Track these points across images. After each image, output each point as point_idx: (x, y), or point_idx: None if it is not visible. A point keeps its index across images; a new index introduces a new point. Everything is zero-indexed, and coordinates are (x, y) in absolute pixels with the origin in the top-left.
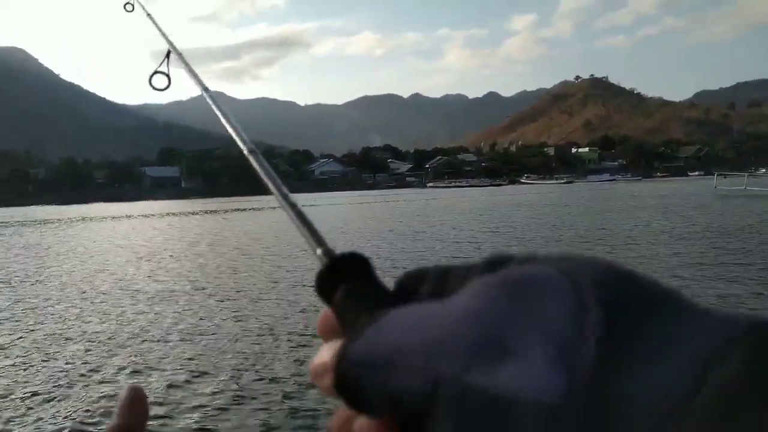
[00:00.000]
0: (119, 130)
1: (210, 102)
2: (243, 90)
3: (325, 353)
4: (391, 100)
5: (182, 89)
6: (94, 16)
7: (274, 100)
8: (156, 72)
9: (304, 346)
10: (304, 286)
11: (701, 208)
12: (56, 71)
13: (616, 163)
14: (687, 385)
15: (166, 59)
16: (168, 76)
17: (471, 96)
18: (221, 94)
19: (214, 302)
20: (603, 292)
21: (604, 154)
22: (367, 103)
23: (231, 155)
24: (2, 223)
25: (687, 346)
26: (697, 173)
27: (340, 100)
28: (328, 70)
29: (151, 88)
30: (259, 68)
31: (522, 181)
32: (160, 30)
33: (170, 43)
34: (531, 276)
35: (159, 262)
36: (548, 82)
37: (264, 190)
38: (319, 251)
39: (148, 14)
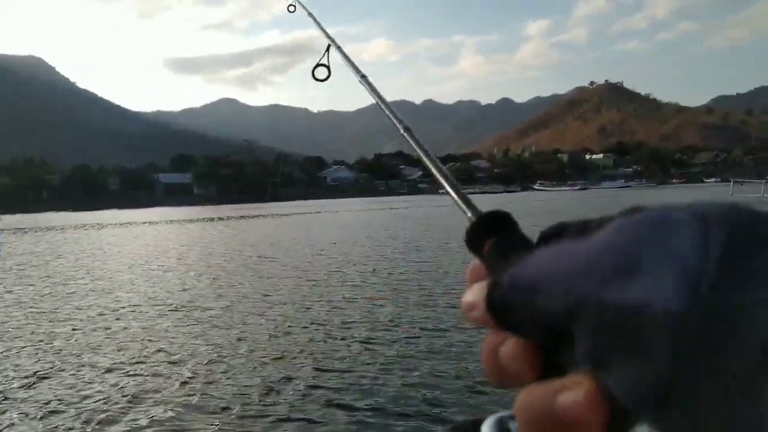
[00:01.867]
0: (133, 137)
1: (366, 88)
2: (256, 96)
3: (475, 290)
4: (404, 106)
5: (195, 96)
6: (109, 25)
7: (287, 107)
8: (318, 65)
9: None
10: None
11: None
12: (72, 79)
13: (631, 169)
14: None
15: (326, 53)
16: (328, 67)
17: (484, 102)
18: (234, 101)
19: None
20: (727, 224)
21: (618, 161)
22: (379, 109)
23: (242, 162)
24: (18, 228)
25: None
26: (713, 180)
27: (352, 106)
28: (341, 77)
29: (313, 79)
30: (272, 75)
31: (535, 187)
32: (320, 27)
33: (330, 38)
34: (662, 215)
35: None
36: (562, 87)
37: (277, 198)
38: (469, 213)
39: (310, 13)
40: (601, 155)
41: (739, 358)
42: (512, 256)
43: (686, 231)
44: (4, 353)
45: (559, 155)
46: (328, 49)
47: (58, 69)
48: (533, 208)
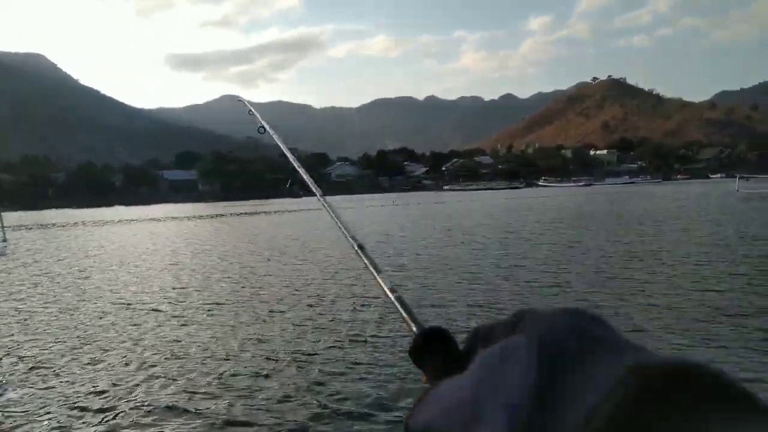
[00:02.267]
0: (136, 134)
1: (326, 208)
2: (258, 94)
3: None
4: (406, 102)
5: (197, 93)
6: (109, 22)
7: (290, 103)
8: (291, 184)
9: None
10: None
11: (726, 212)
12: (75, 76)
13: (636, 165)
14: (582, 418)
15: (291, 179)
16: (296, 184)
17: (487, 98)
18: (236, 98)
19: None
20: (542, 352)
21: (622, 156)
22: (381, 105)
23: (246, 159)
24: (23, 225)
25: (596, 384)
26: (719, 176)
27: (354, 103)
28: (343, 73)
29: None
30: (274, 72)
31: (540, 183)
32: (287, 152)
33: (296, 164)
34: (508, 346)
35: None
36: (565, 83)
37: (279, 194)
38: (414, 327)
39: (278, 137)
40: (605, 151)
41: None
42: (433, 385)
43: (516, 360)
44: (11, 343)
45: (562, 151)
46: (295, 172)
47: (60, 66)
48: (538, 205)
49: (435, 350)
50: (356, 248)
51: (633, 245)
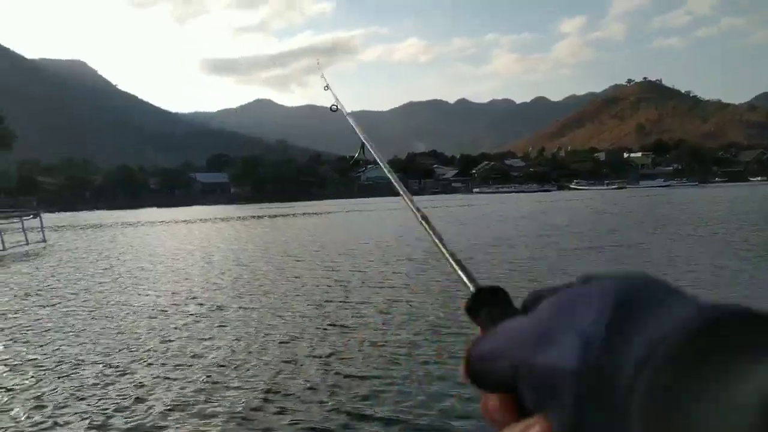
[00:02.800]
0: (171, 137)
1: (385, 170)
2: (290, 98)
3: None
4: (436, 105)
5: (230, 97)
6: (147, 29)
7: (322, 107)
8: (356, 160)
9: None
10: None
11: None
12: (113, 82)
13: (671, 168)
14: (643, 354)
15: (361, 149)
16: (362, 161)
17: (518, 101)
18: (269, 102)
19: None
20: (615, 293)
21: (658, 159)
22: (412, 109)
23: (277, 161)
24: (60, 226)
25: (651, 329)
26: (759, 179)
27: (385, 106)
28: (374, 77)
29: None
30: (306, 75)
31: (572, 186)
32: (355, 129)
33: (364, 139)
34: (577, 291)
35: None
36: (598, 86)
37: (310, 196)
38: (471, 286)
39: (348, 114)
40: (639, 154)
41: (612, 406)
42: (491, 328)
43: (587, 303)
44: (44, 341)
45: (595, 154)
46: (362, 147)
47: (100, 72)
48: (567, 209)
49: (492, 304)
50: (420, 219)
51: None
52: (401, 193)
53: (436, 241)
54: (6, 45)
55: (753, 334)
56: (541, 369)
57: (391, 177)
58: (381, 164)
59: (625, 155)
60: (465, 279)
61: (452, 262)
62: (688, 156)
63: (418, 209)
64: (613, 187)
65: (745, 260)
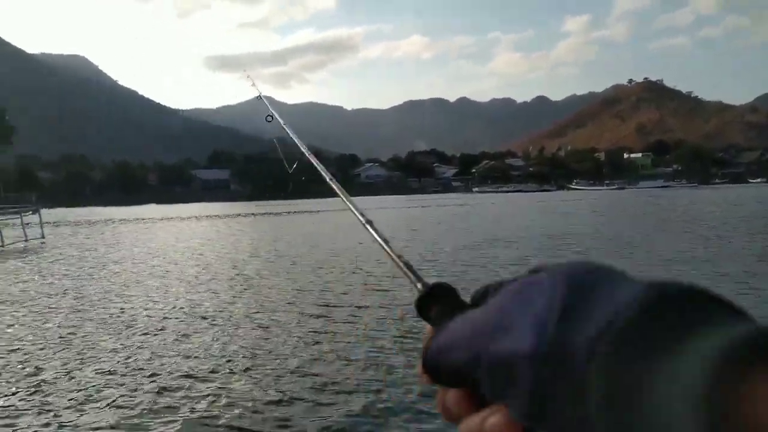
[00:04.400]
0: (171, 134)
1: (310, 158)
2: (291, 94)
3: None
4: (437, 104)
5: (231, 94)
6: (148, 24)
7: (322, 105)
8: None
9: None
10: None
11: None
12: (115, 77)
13: (671, 168)
14: (597, 332)
15: (295, 163)
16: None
17: (519, 100)
18: (269, 99)
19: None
20: (567, 278)
21: (658, 160)
22: (413, 107)
23: (279, 159)
24: (60, 222)
25: (605, 307)
26: (759, 180)
27: (386, 104)
28: (375, 75)
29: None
30: (308, 72)
31: (571, 186)
32: (295, 139)
33: (304, 148)
34: (532, 280)
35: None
36: (599, 85)
37: (312, 194)
38: (418, 285)
39: (284, 125)
40: (639, 154)
41: (570, 385)
42: (444, 323)
43: (543, 290)
44: (39, 337)
45: (596, 154)
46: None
47: (101, 67)
48: (565, 209)
49: (442, 301)
50: (364, 223)
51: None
52: (342, 197)
53: (381, 242)
54: (7, 39)
55: (697, 308)
56: (499, 356)
57: (334, 185)
58: (321, 170)
59: (626, 156)
60: (413, 279)
61: (400, 264)
62: (689, 157)
63: (362, 213)
64: (613, 187)
65: (739, 262)
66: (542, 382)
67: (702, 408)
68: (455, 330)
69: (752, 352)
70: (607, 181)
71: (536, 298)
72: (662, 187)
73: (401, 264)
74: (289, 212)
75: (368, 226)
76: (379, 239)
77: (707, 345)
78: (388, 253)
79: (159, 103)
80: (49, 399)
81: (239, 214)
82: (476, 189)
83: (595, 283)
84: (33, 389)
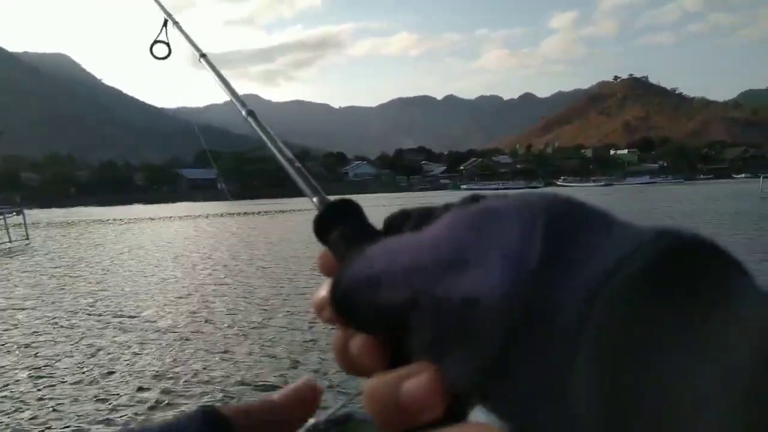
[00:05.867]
0: (158, 133)
1: (206, 66)
2: (277, 92)
3: (323, 287)
4: (425, 101)
5: (217, 93)
6: (133, 23)
7: (309, 103)
8: (156, 41)
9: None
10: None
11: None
12: (98, 76)
13: (657, 165)
14: (596, 282)
15: (164, 28)
16: (168, 44)
17: (506, 97)
18: (255, 97)
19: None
20: (547, 212)
21: (643, 156)
22: (400, 105)
23: (265, 157)
24: (47, 223)
25: (603, 251)
26: (743, 176)
27: (373, 102)
28: (363, 72)
29: (153, 58)
30: (294, 70)
31: (558, 183)
32: (157, 1)
33: (167, 13)
34: (489, 207)
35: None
36: (585, 82)
37: (299, 193)
38: (315, 199)
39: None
40: (625, 151)
41: (552, 347)
42: (356, 248)
43: (511, 221)
44: (25, 340)
45: (582, 151)
46: (165, 24)
47: (84, 66)
48: None
49: (345, 222)
50: (245, 114)
51: None
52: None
53: (264, 137)
54: None
55: (722, 264)
56: (452, 300)
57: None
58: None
59: (612, 152)
60: (308, 192)
61: (290, 168)
62: (674, 153)
63: (243, 104)
64: (600, 183)
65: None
66: (511, 335)
67: (751, 400)
68: (381, 261)
69: None
70: (594, 178)
71: (503, 231)
72: (649, 183)
73: (292, 170)
74: (276, 211)
75: (249, 118)
76: (261, 134)
77: (754, 314)
78: (275, 152)
79: (144, 102)
80: (25, 399)
81: (222, 214)
82: (464, 186)
83: (585, 219)
84: (6, 392)
